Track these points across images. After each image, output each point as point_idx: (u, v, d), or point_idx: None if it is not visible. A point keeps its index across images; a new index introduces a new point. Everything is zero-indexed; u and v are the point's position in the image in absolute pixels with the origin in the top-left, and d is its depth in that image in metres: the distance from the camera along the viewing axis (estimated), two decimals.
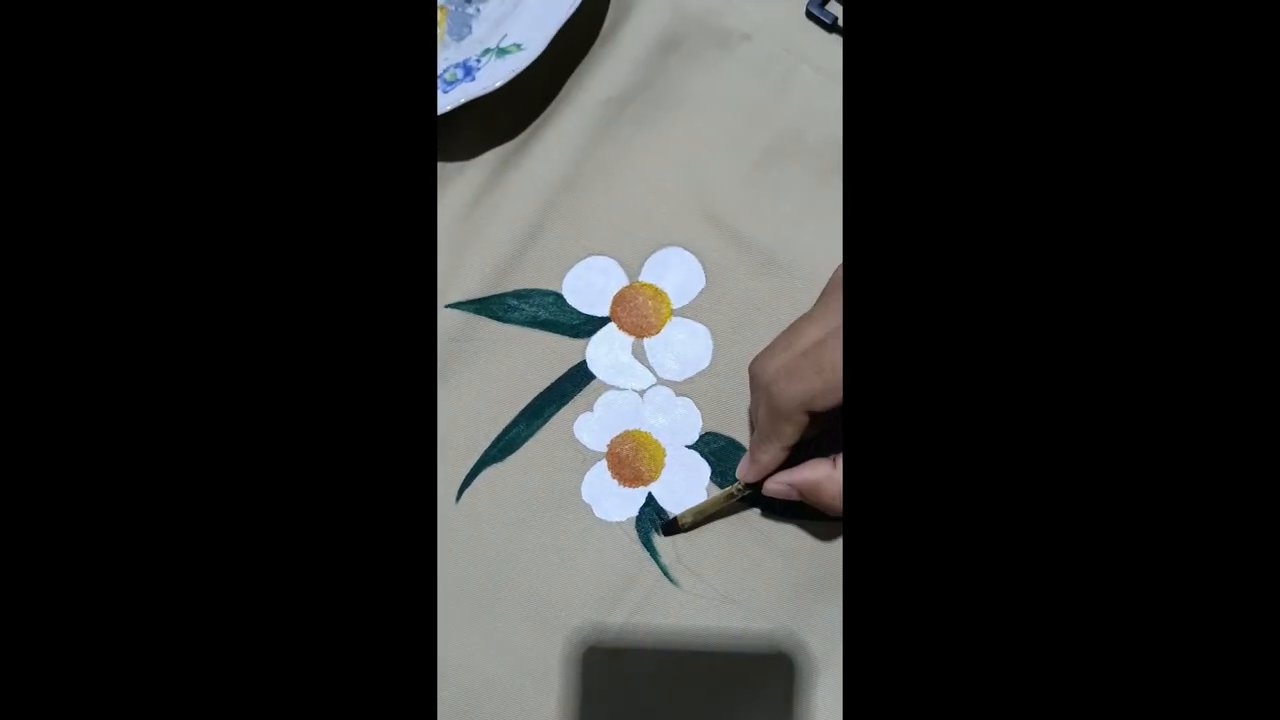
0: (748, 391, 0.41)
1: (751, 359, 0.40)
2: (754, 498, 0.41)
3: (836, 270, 0.40)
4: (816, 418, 0.37)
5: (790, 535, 0.42)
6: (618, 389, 0.44)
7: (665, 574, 0.42)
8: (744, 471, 0.41)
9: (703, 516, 0.42)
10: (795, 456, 0.39)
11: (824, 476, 0.38)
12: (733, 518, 0.42)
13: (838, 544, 0.42)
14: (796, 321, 0.39)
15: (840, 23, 0.47)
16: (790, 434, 0.38)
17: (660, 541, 0.42)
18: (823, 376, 0.36)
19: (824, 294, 0.40)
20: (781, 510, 0.42)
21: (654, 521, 0.42)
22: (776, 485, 0.40)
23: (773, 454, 0.39)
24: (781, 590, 0.42)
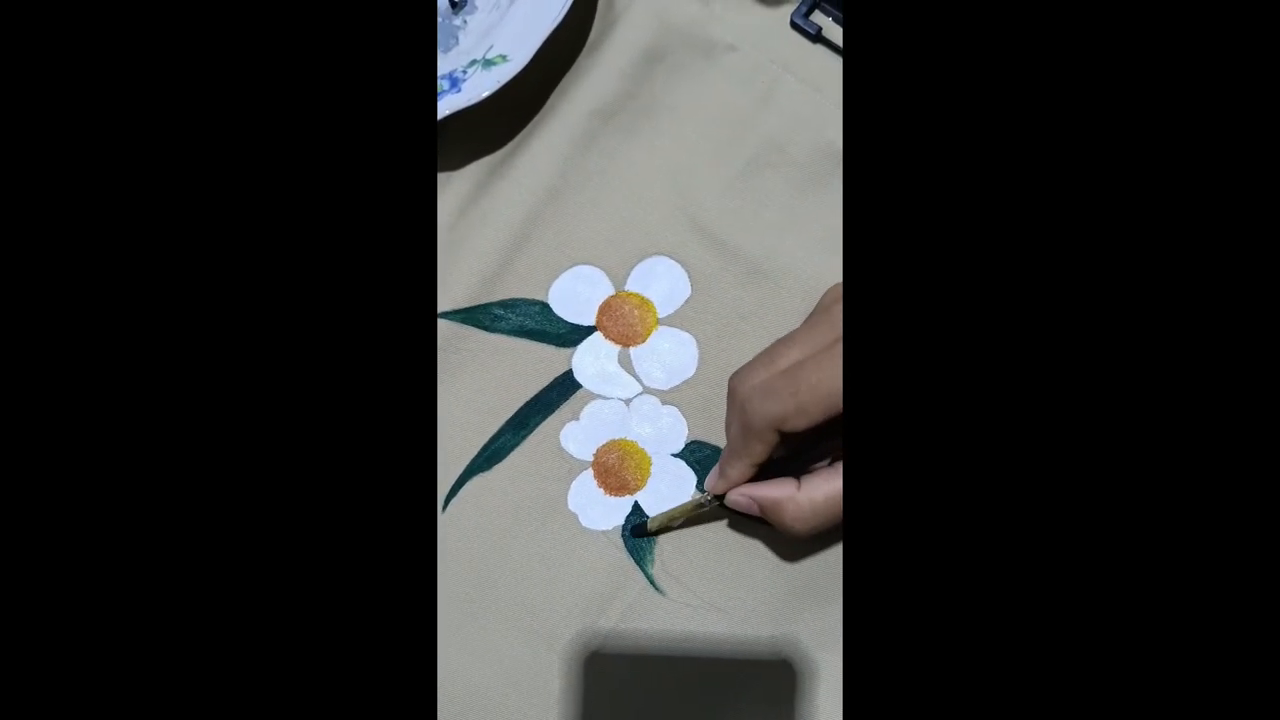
0: None
1: (735, 369, 0.40)
2: (721, 509, 0.42)
3: (826, 293, 0.40)
4: (787, 438, 0.38)
5: (776, 543, 0.42)
6: (604, 398, 0.44)
7: (651, 582, 0.42)
8: (711, 483, 0.41)
9: (670, 523, 0.42)
10: (763, 474, 0.39)
11: (786, 497, 0.38)
12: (718, 526, 0.42)
13: (824, 552, 0.42)
14: (780, 340, 0.39)
15: (824, 33, 0.47)
16: (760, 451, 0.38)
17: (646, 550, 0.42)
18: (797, 399, 0.36)
19: (812, 315, 0.40)
20: (746, 521, 0.42)
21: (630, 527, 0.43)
22: (739, 497, 0.40)
23: (740, 470, 0.39)
24: (767, 598, 0.42)
